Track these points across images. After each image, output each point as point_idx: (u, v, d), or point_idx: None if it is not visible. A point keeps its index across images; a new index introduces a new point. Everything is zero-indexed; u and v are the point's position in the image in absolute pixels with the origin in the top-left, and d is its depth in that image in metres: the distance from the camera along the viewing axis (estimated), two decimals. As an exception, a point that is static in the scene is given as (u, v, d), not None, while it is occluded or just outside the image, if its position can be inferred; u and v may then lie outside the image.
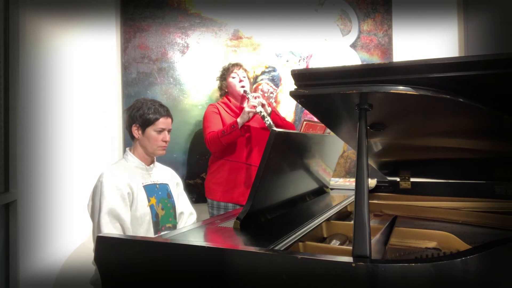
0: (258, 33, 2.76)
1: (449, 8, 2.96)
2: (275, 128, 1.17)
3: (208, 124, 2.28)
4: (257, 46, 2.77)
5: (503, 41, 2.54)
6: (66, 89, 2.23)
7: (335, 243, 1.20)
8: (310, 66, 2.83)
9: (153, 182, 1.74)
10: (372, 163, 1.84)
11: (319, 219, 1.28)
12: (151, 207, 1.68)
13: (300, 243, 1.06)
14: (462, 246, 1.09)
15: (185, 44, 2.67)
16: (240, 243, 1.06)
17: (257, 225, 1.19)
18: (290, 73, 0.94)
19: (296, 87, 0.94)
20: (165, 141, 1.75)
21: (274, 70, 2.80)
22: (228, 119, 2.29)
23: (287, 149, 1.30)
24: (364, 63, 2.83)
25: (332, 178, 2.15)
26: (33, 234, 1.91)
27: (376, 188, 1.95)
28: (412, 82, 0.83)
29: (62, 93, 2.19)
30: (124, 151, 1.89)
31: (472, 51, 2.83)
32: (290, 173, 1.42)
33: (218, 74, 2.46)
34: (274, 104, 2.79)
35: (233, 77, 2.36)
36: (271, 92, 2.80)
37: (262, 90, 2.77)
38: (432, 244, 1.18)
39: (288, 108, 2.82)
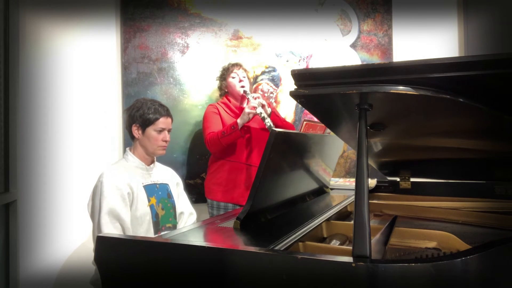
0: (258, 33, 2.76)
1: (449, 8, 2.96)
2: (275, 128, 1.17)
3: (208, 125, 2.28)
4: (257, 46, 2.77)
5: (503, 41, 2.54)
6: (66, 89, 2.23)
7: (335, 243, 1.20)
8: (310, 66, 2.83)
9: (153, 182, 1.74)
10: (372, 163, 1.84)
11: (319, 219, 1.28)
12: (151, 207, 1.68)
13: (300, 243, 1.06)
14: (462, 246, 1.09)
15: (185, 44, 2.67)
16: (240, 243, 1.06)
17: (257, 225, 1.19)
18: (290, 73, 0.94)
19: (296, 87, 0.94)
20: (165, 141, 1.75)
21: (274, 70, 2.80)
22: (228, 119, 2.29)
23: (287, 149, 1.30)
24: (364, 63, 2.83)
25: (332, 178, 2.15)
26: (33, 234, 1.91)
27: (376, 188, 1.95)
28: (412, 82, 0.83)
29: (62, 93, 2.19)
30: (124, 151, 1.89)
31: (472, 51, 2.83)
32: (290, 173, 1.42)
33: (218, 74, 2.46)
34: (274, 104, 2.80)
35: (233, 77, 2.35)
36: (271, 92, 2.80)
37: (262, 90, 2.77)
38: (432, 244, 1.18)
39: (288, 108, 2.82)
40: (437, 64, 0.82)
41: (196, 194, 2.58)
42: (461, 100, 0.86)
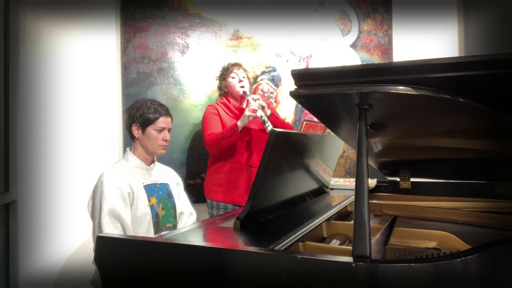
0: (258, 33, 2.76)
1: (449, 8, 2.96)
2: (275, 128, 1.17)
3: (208, 126, 2.27)
4: (257, 46, 2.77)
5: (503, 41, 2.54)
6: (66, 89, 2.23)
7: (335, 243, 1.20)
8: (310, 66, 2.83)
9: (153, 182, 1.74)
10: (372, 163, 1.84)
11: (319, 219, 1.28)
12: (152, 207, 1.68)
13: (300, 243, 1.06)
14: (462, 246, 1.09)
15: (185, 44, 2.67)
16: (240, 243, 1.06)
17: (257, 225, 1.19)
18: (290, 73, 0.94)
19: (296, 87, 0.94)
20: (166, 140, 1.75)
21: (274, 70, 2.80)
22: (228, 120, 2.29)
23: (287, 149, 1.30)
24: (364, 63, 2.83)
25: (332, 178, 2.15)
26: (33, 234, 1.91)
27: (376, 188, 1.95)
28: (412, 82, 0.83)
29: (62, 93, 2.19)
30: (124, 151, 1.89)
31: (472, 51, 2.83)
32: (290, 173, 1.42)
33: (218, 74, 2.46)
34: (274, 104, 2.80)
35: (233, 77, 2.35)
36: (271, 92, 2.80)
37: (262, 90, 2.78)
38: (432, 244, 1.18)
39: (288, 108, 2.82)
40: (437, 64, 0.82)
41: (196, 194, 2.58)
42: (461, 100, 0.86)
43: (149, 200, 1.68)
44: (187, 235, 1.08)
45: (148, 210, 1.67)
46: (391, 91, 0.84)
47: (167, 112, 1.77)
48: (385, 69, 0.87)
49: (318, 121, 2.12)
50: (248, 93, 2.30)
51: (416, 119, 1.12)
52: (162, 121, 1.73)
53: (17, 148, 1.76)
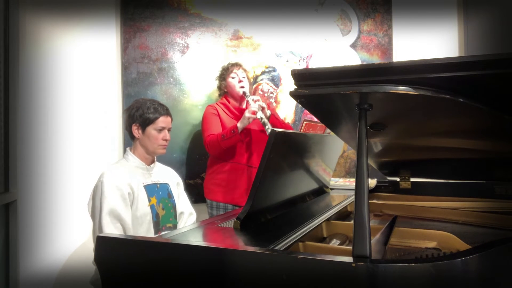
0: (258, 33, 2.76)
1: (449, 8, 2.96)
2: (275, 128, 1.17)
3: (208, 126, 2.27)
4: (257, 46, 2.77)
5: (503, 41, 2.54)
6: (66, 89, 2.23)
7: (335, 243, 1.20)
8: (310, 66, 2.83)
9: (153, 182, 1.74)
10: (372, 163, 1.84)
11: (319, 219, 1.28)
12: (152, 207, 1.68)
13: (300, 243, 1.06)
14: (462, 246, 1.09)
15: (185, 44, 2.67)
16: (240, 243, 1.06)
17: (257, 225, 1.19)
18: (290, 73, 0.94)
19: (296, 87, 0.94)
20: (166, 140, 1.75)
21: (274, 70, 2.80)
22: (227, 120, 2.29)
23: (287, 149, 1.30)
24: (364, 63, 2.83)
25: (332, 178, 2.15)
26: (33, 234, 1.91)
27: (376, 188, 1.95)
28: (412, 82, 0.83)
29: (62, 93, 2.19)
30: (124, 151, 1.90)
31: (472, 51, 2.83)
32: (290, 173, 1.42)
33: (218, 73, 2.45)
34: (274, 104, 2.80)
35: (233, 77, 2.35)
36: (271, 92, 2.80)
37: (262, 90, 2.78)
38: (432, 244, 1.18)
39: (288, 108, 2.82)
40: (437, 64, 0.82)
41: (196, 194, 2.58)
42: (461, 100, 0.86)
43: (149, 200, 1.68)
44: (187, 235, 1.08)
45: (148, 210, 1.67)
46: (391, 91, 0.84)
47: (167, 112, 1.77)
48: (385, 69, 0.87)
49: (318, 121, 2.12)
50: (248, 93, 2.30)
51: (416, 119, 1.12)
52: (162, 121, 1.73)
53: (17, 148, 1.76)
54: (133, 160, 1.73)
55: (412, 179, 1.88)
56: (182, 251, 0.89)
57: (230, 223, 1.21)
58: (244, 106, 2.38)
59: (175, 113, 2.05)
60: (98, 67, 2.51)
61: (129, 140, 1.82)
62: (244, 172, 2.28)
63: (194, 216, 1.90)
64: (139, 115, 1.71)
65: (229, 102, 2.37)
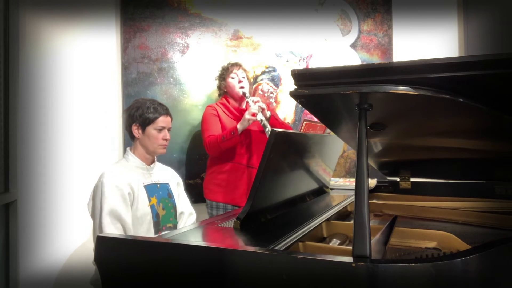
0: (258, 33, 2.76)
1: (449, 8, 2.96)
2: (275, 129, 1.17)
3: (207, 127, 2.27)
4: (257, 46, 2.77)
5: (503, 41, 2.54)
6: (66, 89, 2.23)
7: (335, 242, 1.20)
8: (310, 66, 2.83)
9: (153, 182, 1.74)
10: (372, 163, 1.84)
11: (319, 219, 1.28)
12: (152, 207, 1.68)
13: (300, 243, 1.06)
14: (462, 246, 1.09)
15: (185, 44, 2.67)
16: (240, 243, 1.06)
17: (257, 225, 1.19)
18: (290, 73, 0.94)
19: (296, 87, 0.94)
20: (166, 139, 1.75)
21: (274, 70, 2.80)
22: (227, 121, 2.29)
23: (287, 149, 1.30)
24: (364, 63, 2.83)
25: (332, 178, 2.15)
26: (33, 234, 1.91)
27: (376, 188, 1.95)
28: (412, 82, 0.83)
29: (62, 93, 2.19)
30: (124, 151, 1.90)
31: (472, 51, 2.84)
32: (290, 173, 1.42)
33: (217, 73, 2.45)
34: (274, 104, 2.80)
35: (232, 78, 2.34)
36: (271, 92, 2.80)
37: (262, 90, 2.78)
38: (432, 244, 1.18)
39: (288, 108, 2.82)
40: (437, 64, 0.82)
41: (196, 194, 2.58)
42: (461, 100, 0.86)
43: (150, 200, 1.68)
44: (187, 235, 1.08)
45: (149, 210, 1.67)
46: (391, 91, 0.84)
47: (166, 112, 1.77)
48: (385, 69, 0.87)
49: (318, 121, 2.12)
50: (247, 94, 2.30)
51: (416, 119, 1.12)
52: (162, 121, 1.74)
53: (17, 148, 1.76)
54: (133, 160, 1.73)
55: (412, 179, 1.88)
56: (182, 251, 0.89)
57: (230, 223, 1.21)
58: (244, 106, 2.38)
59: (175, 113, 2.05)
60: (98, 67, 2.51)
61: (129, 140, 1.82)
62: (244, 172, 2.28)
63: (194, 216, 1.90)
64: (139, 115, 1.71)
65: (228, 102, 2.36)
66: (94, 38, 2.47)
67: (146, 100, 1.77)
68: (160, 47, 2.64)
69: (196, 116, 2.64)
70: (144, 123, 1.72)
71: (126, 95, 2.58)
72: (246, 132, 2.24)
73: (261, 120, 2.13)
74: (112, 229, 1.52)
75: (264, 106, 2.22)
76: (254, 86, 2.74)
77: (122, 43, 2.58)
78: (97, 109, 2.48)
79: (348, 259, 0.76)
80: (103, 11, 2.54)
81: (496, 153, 1.37)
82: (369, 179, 1.59)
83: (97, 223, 1.55)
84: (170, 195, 1.80)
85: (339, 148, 1.97)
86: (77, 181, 2.24)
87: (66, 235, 2.19)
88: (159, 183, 1.76)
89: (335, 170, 2.44)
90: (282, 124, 2.39)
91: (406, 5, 2.93)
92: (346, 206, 1.61)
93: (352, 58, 2.88)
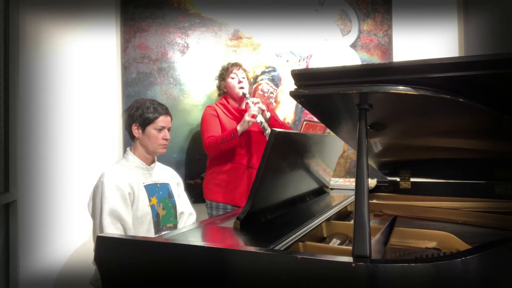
0: (258, 33, 2.76)
1: (449, 8, 2.96)
2: (274, 128, 1.17)
3: (207, 128, 2.26)
4: (257, 46, 2.77)
5: (503, 41, 2.54)
6: (66, 89, 2.23)
7: (335, 242, 1.20)
8: (310, 66, 2.83)
9: (154, 182, 1.74)
10: (372, 163, 1.84)
11: (319, 219, 1.28)
12: (152, 207, 1.68)
13: (300, 243, 1.06)
14: (462, 246, 1.09)
15: (185, 44, 2.67)
16: (240, 243, 1.06)
17: (257, 225, 1.19)
18: (290, 73, 0.94)
19: (296, 87, 0.94)
20: (166, 139, 1.75)
21: (274, 70, 2.80)
22: (227, 121, 2.28)
23: (287, 149, 1.30)
24: (364, 63, 2.83)
25: (332, 178, 2.15)
26: (33, 234, 1.91)
27: (376, 188, 1.95)
28: (412, 82, 0.83)
29: (62, 93, 2.19)
30: (124, 151, 1.90)
31: (472, 51, 2.83)
32: (290, 173, 1.42)
33: (217, 73, 2.44)
34: (274, 104, 2.80)
35: (232, 78, 2.34)
36: (271, 92, 2.80)
37: (262, 90, 2.78)
38: (432, 244, 1.18)
39: (288, 108, 2.82)
40: (437, 64, 0.82)
41: (196, 194, 2.58)
42: (461, 100, 0.86)
43: (150, 200, 1.68)
44: (187, 235, 1.08)
45: (149, 210, 1.67)
46: (391, 91, 0.84)
47: (166, 111, 1.77)
48: (385, 69, 0.87)
49: (318, 121, 2.12)
50: (247, 95, 2.29)
51: (416, 119, 1.12)
52: (162, 120, 1.74)
53: (17, 148, 1.76)
54: (134, 160, 1.73)
55: (412, 179, 1.88)
56: (182, 251, 0.89)
57: (230, 223, 1.21)
58: (243, 107, 2.38)
59: (175, 113, 2.05)
60: (98, 67, 2.51)
61: (129, 140, 1.82)
62: (244, 173, 2.28)
63: (194, 216, 1.90)
64: (139, 115, 1.71)
65: (228, 103, 2.36)
66: (94, 38, 2.47)
67: (146, 100, 1.77)
68: (160, 47, 2.64)
69: (196, 116, 2.64)
70: (144, 123, 1.72)
71: (126, 95, 2.58)
72: (246, 132, 2.24)
73: (261, 122, 2.13)
74: (112, 229, 1.52)
75: (264, 107, 2.22)
76: (254, 86, 2.74)
77: (122, 43, 2.59)
78: (97, 109, 2.48)
79: (348, 259, 0.76)
80: (103, 11, 2.54)
81: (496, 153, 1.37)
82: (369, 179, 1.59)
83: (98, 223, 1.55)
84: (170, 195, 1.80)
85: (339, 148, 1.97)
86: (77, 181, 2.24)
87: (66, 235, 2.19)
88: (159, 183, 1.76)
89: (335, 170, 2.44)
90: (281, 125, 2.39)
91: (406, 5, 2.93)
92: (346, 206, 1.61)
93: (352, 58, 2.88)
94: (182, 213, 1.85)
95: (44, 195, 2.01)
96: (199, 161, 2.63)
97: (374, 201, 1.77)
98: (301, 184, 1.59)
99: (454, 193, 1.75)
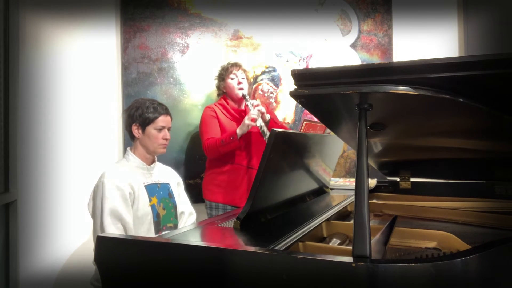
0: (258, 33, 2.76)
1: (449, 8, 2.96)
2: (275, 128, 1.17)
3: (206, 129, 2.26)
4: (257, 46, 2.77)
5: (503, 41, 2.54)
6: (66, 89, 2.23)
7: (335, 242, 1.20)
8: (310, 66, 2.83)
9: (154, 182, 1.74)
10: (372, 163, 1.84)
11: (319, 219, 1.28)
12: (152, 206, 1.68)
13: (300, 243, 1.06)
14: (462, 246, 1.09)
15: (185, 44, 2.67)
16: (240, 243, 1.06)
17: (257, 225, 1.19)
18: (290, 73, 0.94)
19: (296, 87, 0.94)
20: (166, 139, 1.75)
21: (274, 70, 2.80)
22: (226, 122, 2.28)
23: (287, 149, 1.30)
24: (364, 63, 2.83)
25: (332, 178, 2.15)
26: (33, 234, 1.91)
27: (376, 188, 1.95)
28: (412, 82, 0.83)
29: (62, 93, 2.19)
30: (125, 151, 1.90)
31: (472, 51, 2.83)
32: (290, 173, 1.42)
33: (217, 73, 2.43)
34: (274, 104, 2.79)
35: (232, 79, 2.33)
36: (271, 92, 2.80)
37: (262, 90, 2.78)
38: (432, 244, 1.18)
39: (288, 108, 2.82)
40: (437, 64, 0.82)
41: (196, 194, 2.58)
42: (461, 100, 0.86)
43: (150, 200, 1.68)
44: (187, 235, 1.08)
45: (149, 210, 1.67)
46: (391, 91, 0.84)
47: (166, 111, 1.77)
48: (385, 69, 0.87)
49: (318, 121, 2.12)
50: (247, 97, 2.28)
51: (416, 119, 1.12)
52: (162, 120, 1.74)
53: (17, 148, 1.77)
54: (134, 160, 1.73)
55: (412, 179, 1.88)
56: (182, 251, 0.89)
57: (230, 223, 1.21)
58: (243, 107, 2.38)
59: (175, 113, 2.05)
60: (98, 67, 2.51)
61: (129, 140, 1.82)
62: (244, 173, 2.27)
63: (194, 216, 1.90)
64: (139, 115, 1.72)
65: (227, 103, 2.35)
66: (94, 38, 2.47)
67: (145, 100, 1.77)
68: (160, 47, 2.64)
69: (196, 116, 2.64)
70: (144, 123, 1.72)
71: (126, 95, 2.58)
72: (246, 134, 2.22)
73: (261, 126, 2.12)
74: (113, 229, 1.52)
75: (263, 110, 2.21)
76: (254, 86, 2.74)
77: (122, 43, 2.59)
78: (97, 109, 2.48)
79: (348, 259, 0.76)
80: (103, 11, 2.54)
81: (496, 153, 1.37)
82: (369, 179, 1.59)
83: (98, 223, 1.55)
84: (170, 195, 1.80)
85: (339, 148, 1.97)
86: (77, 181, 2.24)
87: (66, 235, 2.19)
88: (159, 183, 1.77)
89: (335, 170, 2.44)
90: (281, 127, 2.38)
91: (406, 5, 2.93)
92: (346, 206, 1.61)
93: (352, 58, 2.88)
94: (182, 213, 1.85)
95: (44, 195, 2.01)
96: (199, 161, 2.63)
97: (374, 201, 1.77)
98: (301, 184, 1.59)
99: (454, 193, 1.75)
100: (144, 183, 1.69)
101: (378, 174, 1.99)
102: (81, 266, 2.12)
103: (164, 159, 1.99)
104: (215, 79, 2.45)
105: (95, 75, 2.48)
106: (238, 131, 2.12)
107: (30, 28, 1.92)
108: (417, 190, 1.85)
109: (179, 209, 1.83)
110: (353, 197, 1.10)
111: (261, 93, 2.77)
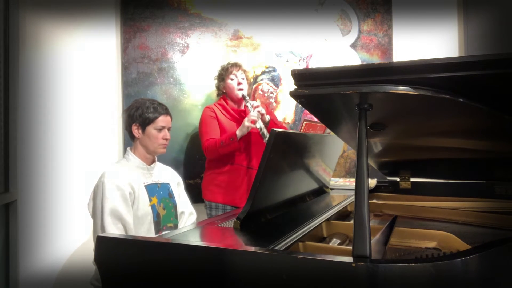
0: (258, 33, 2.76)
1: (449, 8, 2.96)
2: (275, 128, 1.17)
3: (206, 130, 2.25)
4: (257, 46, 2.77)
5: (503, 41, 2.54)
6: (66, 89, 2.23)
7: (335, 242, 1.20)
8: (310, 66, 2.83)
9: (154, 182, 1.74)
10: (372, 163, 1.84)
11: (319, 219, 1.28)
12: (153, 206, 1.68)
13: (300, 243, 1.06)
14: (462, 246, 1.09)
15: (185, 44, 2.67)
16: (240, 243, 1.06)
17: (257, 225, 1.19)
18: (290, 73, 0.94)
19: (296, 87, 0.94)
20: (166, 139, 1.76)
21: (274, 70, 2.80)
22: (226, 122, 2.27)
23: (287, 149, 1.30)
24: (364, 63, 2.83)
25: (332, 178, 2.15)
26: (33, 234, 1.91)
27: (376, 188, 1.95)
28: (412, 82, 0.83)
29: (62, 93, 2.19)
30: (125, 151, 1.90)
31: (472, 51, 2.83)
32: (290, 173, 1.42)
33: (216, 73, 2.43)
34: (274, 104, 2.79)
35: (232, 79, 2.32)
36: (271, 92, 2.80)
37: (262, 90, 2.77)
38: (432, 244, 1.18)
39: (288, 108, 2.82)
40: (437, 64, 0.82)
41: (196, 194, 2.58)
42: (461, 100, 0.86)
43: (150, 200, 1.68)
44: (187, 235, 1.08)
45: (149, 210, 1.67)
46: (391, 91, 0.84)
47: (166, 111, 1.77)
48: (385, 69, 0.87)
49: (318, 121, 2.12)
50: (247, 97, 2.28)
51: (416, 119, 1.12)
52: (162, 120, 1.74)
53: (17, 148, 1.77)
54: (134, 160, 1.74)
55: (412, 179, 1.88)
56: (182, 251, 0.89)
57: (230, 223, 1.21)
58: (242, 108, 2.38)
59: (175, 113, 2.05)
60: (98, 67, 2.51)
61: (129, 140, 1.82)
62: (244, 173, 2.27)
63: (194, 216, 1.90)
64: (139, 115, 1.72)
65: (227, 104, 2.35)
66: (94, 38, 2.47)
67: (145, 100, 1.77)
68: (160, 47, 2.64)
69: (196, 116, 2.64)
70: (144, 123, 1.72)
71: (126, 95, 2.58)
72: (246, 134, 2.23)
73: (260, 129, 2.12)
74: (113, 229, 1.52)
75: (263, 111, 2.21)
76: (254, 86, 2.74)
77: (122, 43, 2.59)
78: (97, 109, 2.48)
79: (348, 259, 0.76)
80: (103, 11, 2.54)
81: (496, 153, 1.37)
82: (369, 179, 1.59)
83: (99, 223, 1.55)
84: (170, 195, 1.80)
85: (339, 148, 1.97)
86: (77, 181, 2.24)
87: (66, 235, 2.20)
88: (159, 183, 1.77)
89: (335, 170, 2.44)
90: (281, 128, 2.38)
91: (406, 5, 2.93)
92: (346, 206, 1.61)
93: (352, 58, 2.88)
94: (182, 213, 1.85)
95: (44, 195, 2.01)
96: (199, 161, 2.63)
97: (374, 201, 1.77)
98: (301, 184, 1.59)
99: (454, 193, 1.75)
100: (144, 183, 1.69)
101: (378, 174, 1.99)
102: (81, 266, 2.12)
103: (164, 159, 1.99)
104: (215, 79, 2.45)
105: (95, 75, 2.48)
106: (237, 132, 2.12)
107: (30, 28, 1.92)
108: (417, 190, 1.85)
109: (179, 209, 1.83)
110: (353, 197, 1.10)
111: (261, 93, 2.77)
